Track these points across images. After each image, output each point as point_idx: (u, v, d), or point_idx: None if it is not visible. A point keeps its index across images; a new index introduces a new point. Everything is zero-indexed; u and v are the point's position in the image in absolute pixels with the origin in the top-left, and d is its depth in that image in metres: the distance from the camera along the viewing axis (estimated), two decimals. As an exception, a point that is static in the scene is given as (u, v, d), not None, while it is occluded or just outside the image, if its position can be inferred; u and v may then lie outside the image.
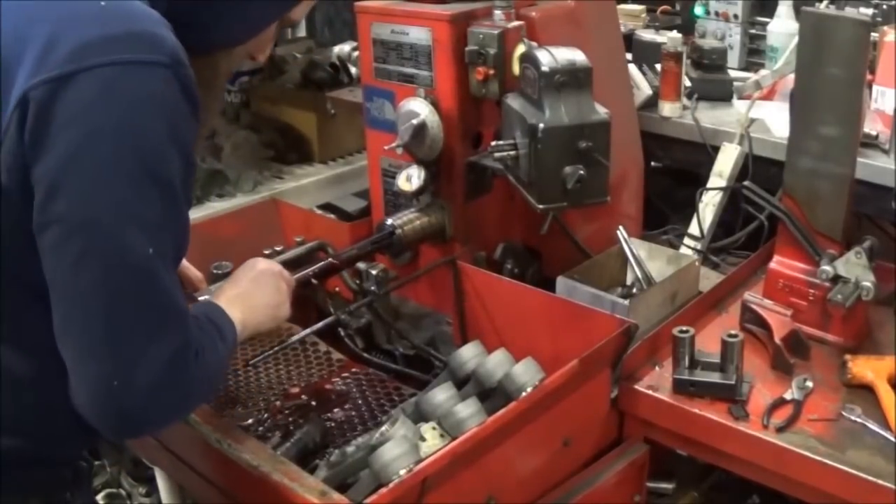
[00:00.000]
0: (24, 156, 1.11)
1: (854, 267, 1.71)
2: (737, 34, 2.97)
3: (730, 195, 2.32)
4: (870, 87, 2.08)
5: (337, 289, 2.03)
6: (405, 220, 1.96)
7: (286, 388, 1.92)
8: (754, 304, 1.80)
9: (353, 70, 3.10)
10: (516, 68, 1.82)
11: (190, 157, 1.20)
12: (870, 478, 1.41)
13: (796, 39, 2.07)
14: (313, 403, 1.86)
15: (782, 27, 2.79)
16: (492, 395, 1.59)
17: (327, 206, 2.71)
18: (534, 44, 1.83)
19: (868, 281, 1.69)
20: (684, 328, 1.64)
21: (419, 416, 1.58)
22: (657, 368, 1.70)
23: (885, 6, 2.40)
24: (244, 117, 2.94)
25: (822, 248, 1.77)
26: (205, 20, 1.29)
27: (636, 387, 1.66)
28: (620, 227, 2.10)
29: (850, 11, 2.17)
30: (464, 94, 1.92)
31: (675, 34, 2.62)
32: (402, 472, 1.32)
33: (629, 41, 2.71)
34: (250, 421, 1.79)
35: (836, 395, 1.62)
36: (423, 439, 1.48)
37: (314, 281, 1.80)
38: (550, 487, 1.58)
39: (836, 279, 1.72)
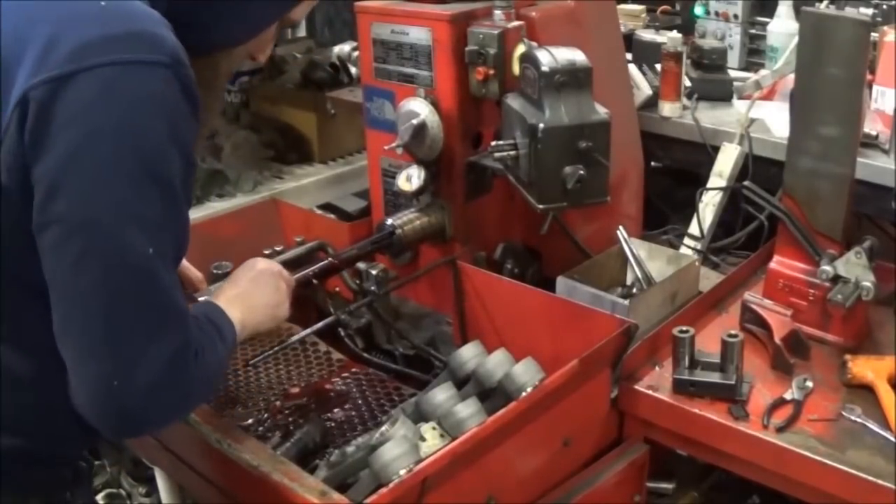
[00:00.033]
0: (23, 155, 1.10)
1: (854, 267, 1.71)
2: (737, 34, 2.97)
3: (730, 195, 2.32)
4: (870, 87, 2.08)
5: (337, 289, 2.03)
6: (405, 220, 1.96)
7: (286, 388, 1.92)
8: (754, 304, 1.80)
9: (353, 70, 3.10)
10: (516, 68, 1.82)
11: (190, 157, 1.20)
12: (870, 478, 1.41)
13: (796, 39, 2.07)
14: (313, 403, 1.86)
15: (782, 27, 2.79)
16: (492, 395, 1.59)
17: (327, 206, 2.71)
18: (534, 44, 1.83)
19: (868, 281, 1.69)
20: (684, 328, 1.64)
21: (419, 416, 1.58)
22: (657, 368, 1.70)
23: (885, 6, 2.40)
24: (244, 117, 2.94)
25: (822, 248, 1.77)
26: (205, 20, 1.29)
27: (636, 387, 1.66)
28: (620, 227, 2.10)
29: (850, 11, 2.17)
30: (464, 94, 1.92)
31: (675, 34, 2.62)
32: (402, 472, 1.32)
33: (629, 41, 2.71)
34: (250, 421, 1.79)
35: (836, 395, 1.62)
36: (423, 439, 1.48)
37: (314, 281, 1.80)
38: (550, 487, 1.58)
39: (836, 279, 1.72)
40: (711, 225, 2.32)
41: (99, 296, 1.11)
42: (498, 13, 1.88)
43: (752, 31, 2.99)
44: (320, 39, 3.74)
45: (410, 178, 1.95)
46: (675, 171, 2.64)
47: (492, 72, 1.86)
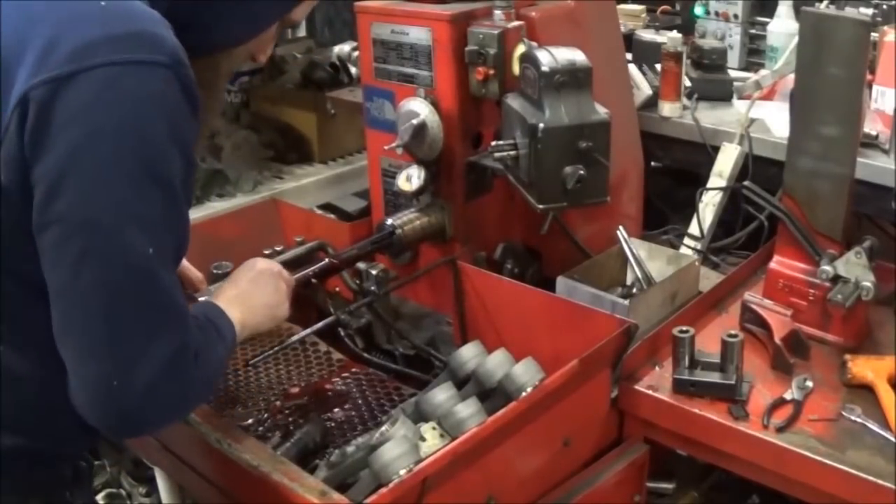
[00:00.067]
0: (23, 156, 1.10)
1: (854, 267, 1.71)
2: (737, 34, 2.98)
3: (730, 195, 2.32)
4: (870, 87, 2.08)
5: (337, 289, 2.03)
6: (405, 220, 1.96)
7: (286, 388, 1.92)
8: (754, 304, 1.81)
9: (353, 70, 3.10)
10: (516, 68, 1.82)
11: (190, 157, 1.20)
12: (870, 478, 1.41)
13: (796, 39, 2.07)
14: (313, 403, 1.86)
15: (782, 27, 2.79)
16: (492, 395, 1.59)
17: (327, 206, 2.71)
18: (534, 44, 1.83)
19: (868, 281, 1.69)
20: (684, 328, 1.64)
21: (419, 416, 1.58)
22: (657, 368, 1.70)
23: (885, 6, 2.40)
24: (244, 117, 2.94)
25: (822, 248, 1.77)
26: (206, 20, 1.29)
27: (636, 387, 1.66)
28: (620, 227, 2.10)
29: (850, 11, 2.17)
30: (464, 94, 1.92)
31: (675, 34, 2.62)
32: (402, 472, 1.32)
33: (629, 41, 2.71)
34: (250, 421, 1.79)
35: (836, 395, 1.62)
36: (423, 439, 1.48)
37: (314, 281, 1.80)
38: (550, 487, 1.58)
39: (836, 279, 1.72)
40: (711, 225, 2.32)
41: (99, 296, 1.11)
42: (498, 13, 1.88)
43: (752, 31, 2.99)
44: (320, 39, 3.74)
45: (410, 178, 1.95)
46: (675, 171, 2.64)
47: (492, 72, 1.86)
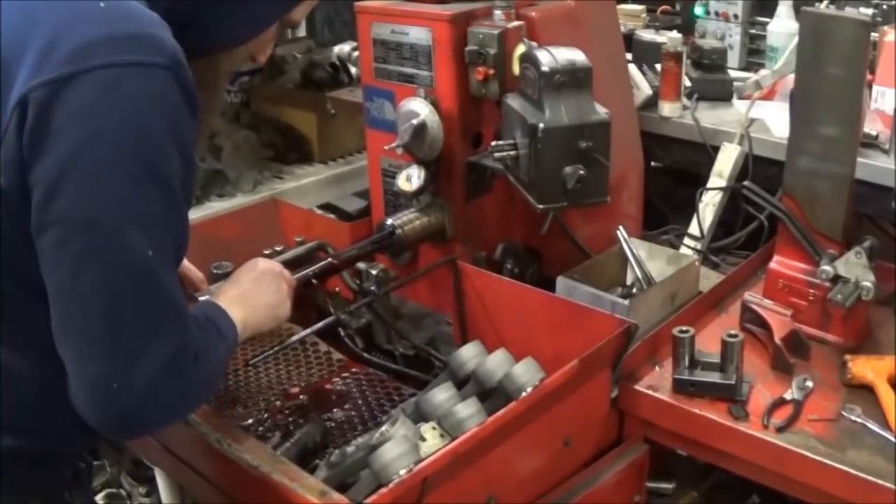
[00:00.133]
0: (22, 157, 1.10)
1: (854, 267, 1.71)
2: (737, 34, 2.98)
3: (730, 195, 2.32)
4: (870, 87, 2.08)
5: (337, 289, 2.03)
6: (405, 220, 1.96)
7: (286, 388, 1.92)
8: (754, 304, 1.81)
9: (353, 70, 3.10)
10: (516, 68, 1.82)
11: (190, 158, 1.20)
12: (870, 478, 1.41)
13: (796, 39, 2.07)
14: (313, 403, 1.86)
15: (782, 27, 2.79)
16: (492, 395, 1.59)
17: (327, 206, 2.71)
18: (534, 44, 1.83)
19: (868, 281, 1.69)
20: (684, 328, 1.64)
21: (419, 416, 1.58)
22: (657, 368, 1.70)
23: (885, 6, 2.40)
24: (244, 117, 2.94)
25: (822, 248, 1.77)
26: (206, 20, 1.30)
27: (636, 387, 1.66)
28: (620, 227, 2.10)
29: (850, 11, 2.17)
30: (464, 94, 1.92)
31: (675, 34, 2.62)
32: (402, 472, 1.32)
33: (629, 41, 2.71)
34: (250, 421, 1.79)
35: (836, 395, 1.62)
36: (423, 439, 1.48)
37: (314, 281, 1.80)
38: (550, 487, 1.58)
39: (836, 279, 1.72)
40: (711, 225, 2.32)
41: (98, 296, 1.11)
42: (498, 13, 1.88)
43: (752, 31, 2.99)
44: (320, 39, 3.74)
45: (410, 178, 1.95)
46: (675, 171, 2.64)
47: (492, 72, 1.86)
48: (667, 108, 2.51)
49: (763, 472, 1.55)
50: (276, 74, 3.10)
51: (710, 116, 2.50)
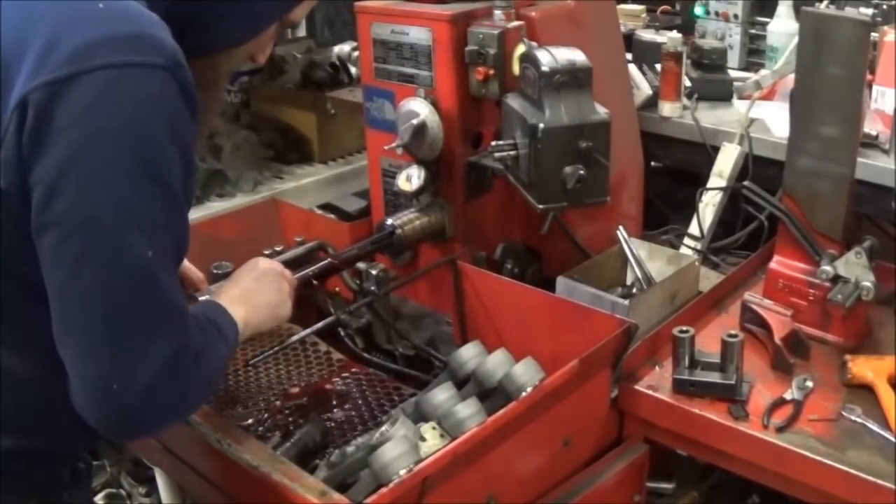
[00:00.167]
0: (22, 158, 1.10)
1: (854, 267, 1.71)
2: (737, 34, 2.98)
3: (730, 195, 2.32)
4: (870, 87, 2.08)
5: (337, 289, 2.03)
6: (405, 220, 1.96)
7: (286, 388, 1.92)
8: (754, 304, 1.81)
9: (353, 70, 3.10)
10: (516, 68, 1.82)
11: (190, 158, 1.20)
12: (870, 478, 1.41)
13: (796, 39, 2.07)
14: (313, 403, 1.86)
15: (782, 27, 2.79)
16: (492, 395, 1.59)
17: (327, 206, 2.71)
18: (534, 44, 1.83)
19: (868, 281, 1.69)
20: (684, 328, 1.64)
21: (419, 416, 1.58)
22: (657, 368, 1.70)
23: (885, 6, 2.40)
24: (244, 117, 2.94)
25: (822, 248, 1.77)
26: (205, 21, 1.30)
27: (636, 387, 1.66)
28: (620, 227, 2.10)
29: (850, 11, 2.17)
30: (464, 94, 1.92)
31: (675, 34, 2.62)
32: (402, 472, 1.32)
33: (629, 41, 2.71)
34: (250, 421, 1.79)
35: (836, 395, 1.62)
36: (423, 439, 1.48)
37: (314, 281, 1.80)
38: (550, 487, 1.58)
39: (836, 279, 1.72)
40: (711, 225, 2.32)
41: (98, 296, 1.11)
42: (498, 13, 1.88)
43: (752, 31, 2.99)
44: (320, 39, 3.74)
45: (410, 178, 1.95)
46: (675, 171, 2.64)
47: (492, 72, 1.86)
48: (667, 108, 2.51)
49: (763, 472, 1.55)
50: (276, 74, 3.10)
51: (710, 116, 2.50)
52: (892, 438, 1.49)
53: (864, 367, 1.62)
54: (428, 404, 1.57)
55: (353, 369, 1.98)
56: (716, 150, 2.37)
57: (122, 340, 1.12)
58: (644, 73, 2.62)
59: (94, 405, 1.14)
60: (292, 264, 1.76)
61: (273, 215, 2.35)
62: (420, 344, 1.98)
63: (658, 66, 2.58)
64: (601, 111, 1.68)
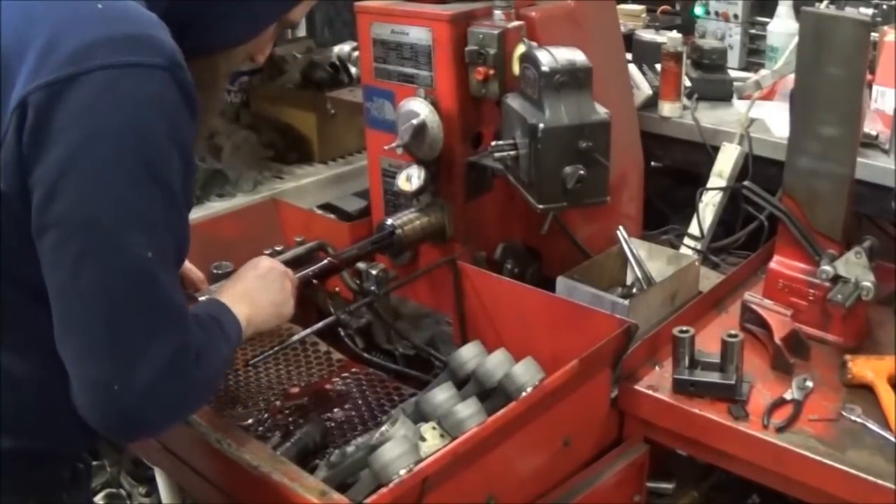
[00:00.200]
0: (21, 159, 1.10)
1: (854, 267, 1.71)
2: (737, 34, 2.98)
3: (730, 195, 2.32)
4: (870, 87, 2.08)
5: (337, 289, 2.03)
6: (405, 220, 1.96)
7: (286, 388, 1.92)
8: (754, 304, 1.81)
9: (353, 70, 3.10)
10: (516, 68, 1.82)
11: (189, 159, 1.20)
12: (870, 478, 1.41)
13: (796, 39, 2.07)
14: (313, 403, 1.86)
15: (782, 27, 2.79)
16: (492, 395, 1.59)
17: (327, 206, 2.71)
18: (534, 44, 1.83)
19: (868, 281, 1.69)
20: (684, 328, 1.64)
21: (419, 416, 1.58)
22: (657, 368, 1.70)
23: (885, 6, 2.41)
24: (244, 117, 2.94)
25: (822, 248, 1.77)
26: (205, 21, 1.30)
27: (636, 387, 1.66)
28: (620, 227, 2.10)
29: (850, 11, 2.17)
30: (464, 94, 1.92)
31: (675, 34, 2.62)
32: (402, 472, 1.32)
33: (629, 41, 2.71)
34: (250, 421, 1.79)
35: (836, 395, 1.62)
36: (423, 439, 1.48)
37: (314, 281, 1.80)
38: (550, 487, 1.58)
39: (836, 279, 1.72)
40: (711, 225, 2.32)
41: (98, 296, 1.11)
42: (498, 13, 1.88)
43: (752, 31, 2.99)
44: (320, 39, 3.74)
45: (410, 178, 1.95)
46: (675, 171, 2.64)
47: (492, 72, 1.86)
48: (667, 108, 2.51)
49: (763, 472, 1.55)
50: (276, 74, 3.10)
51: (710, 116, 2.50)
52: (892, 438, 1.49)
53: (864, 367, 1.62)
54: (428, 404, 1.57)
55: (353, 369, 1.98)
56: (716, 150, 2.37)
57: (122, 340, 1.12)
58: (644, 73, 2.62)
59: (95, 405, 1.14)
60: (292, 264, 1.76)
61: (273, 215, 2.35)
62: (420, 344, 1.98)
63: (658, 66, 2.58)
64: (601, 111, 1.68)
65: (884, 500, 1.39)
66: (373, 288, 1.93)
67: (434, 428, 1.51)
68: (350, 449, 1.54)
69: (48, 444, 1.28)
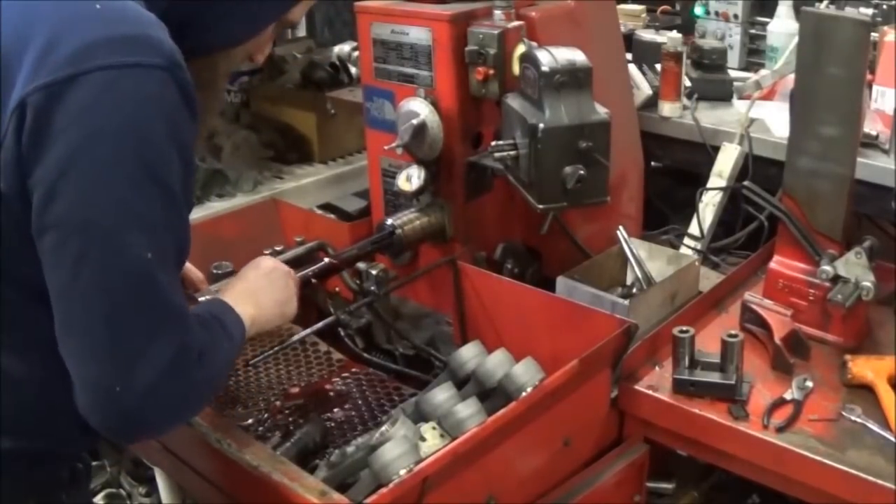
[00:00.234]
0: (21, 160, 1.10)
1: (854, 267, 1.71)
2: (737, 34, 2.98)
3: (730, 195, 2.32)
4: (870, 87, 2.08)
5: (337, 289, 2.03)
6: (405, 220, 1.96)
7: (286, 388, 1.92)
8: (754, 304, 1.80)
9: (353, 70, 3.10)
10: (516, 68, 1.82)
11: (189, 159, 1.20)
12: (870, 478, 1.41)
13: (796, 39, 2.07)
14: (313, 403, 1.86)
15: (782, 27, 2.79)
16: (492, 395, 1.59)
17: (327, 206, 2.71)
18: (534, 44, 1.83)
19: (868, 281, 1.69)
20: (684, 328, 1.64)
21: (419, 416, 1.58)
22: (657, 368, 1.70)
23: (885, 6, 2.41)
24: (244, 117, 2.94)
25: (822, 248, 1.77)
26: (204, 21, 1.30)
27: (636, 387, 1.66)
28: (620, 227, 2.10)
29: (850, 11, 2.17)
30: (464, 94, 1.92)
31: (675, 34, 2.62)
32: (402, 472, 1.32)
33: (629, 41, 2.71)
34: (250, 421, 1.79)
35: (836, 395, 1.62)
36: (423, 439, 1.48)
37: (314, 281, 1.80)
38: (550, 487, 1.58)
39: (836, 279, 1.72)
40: (711, 225, 2.32)
41: (98, 297, 1.11)
42: (498, 13, 1.88)
43: (752, 31, 2.99)
44: (320, 39, 3.74)
45: (410, 178, 1.95)
46: (675, 171, 2.64)
47: (492, 72, 1.86)
48: (667, 108, 2.51)
49: (763, 472, 1.55)
50: (276, 74, 3.10)
51: (710, 116, 2.50)
52: (892, 438, 1.49)
53: (864, 367, 1.62)
54: (428, 404, 1.57)
55: (353, 369, 1.98)
56: (716, 150, 2.37)
57: (123, 341, 1.12)
58: (644, 73, 2.62)
59: (96, 406, 1.14)
60: (292, 264, 1.75)
61: (273, 215, 2.35)
62: (420, 344, 1.97)
63: (658, 66, 2.58)
64: (601, 111, 1.68)
65: (884, 500, 1.39)
66: (373, 288, 1.93)
67: (434, 428, 1.51)
68: (350, 449, 1.54)
69: (48, 445, 1.28)
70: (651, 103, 2.55)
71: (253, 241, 2.09)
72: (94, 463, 2.30)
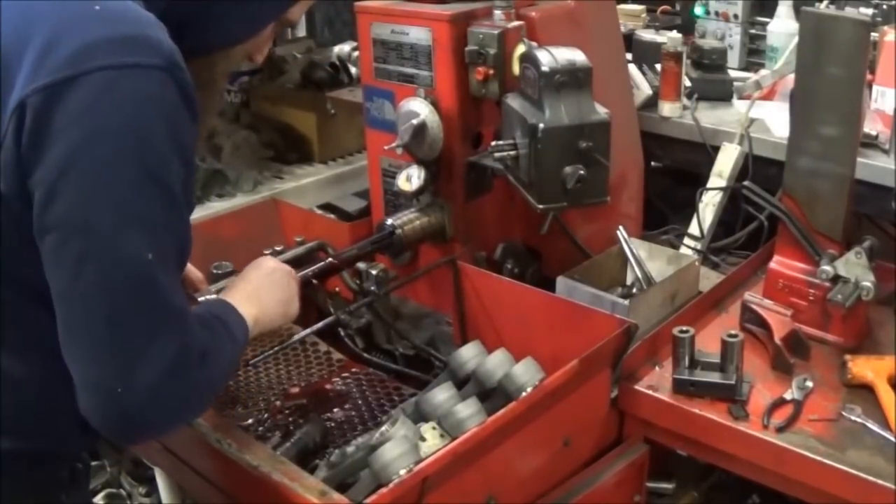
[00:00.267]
0: (20, 161, 1.10)
1: (854, 267, 1.71)
2: (737, 34, 2.98)
3: (730, 195, 2.32)
4: (870, 87, 2.08)
5: (337, 289, 2.03)
6: (405, 220, 1.96)
7: (286, 388, 1.92)
8: (754, 304, 1.80)
9: (353, 70, 3.10)
10: (516, 68, 1.82)
11: (189, 160, 1.20)
12: (870, 478, 1.41)
13: (796, 39, 2.07)
14: (313, 403, 1.86)
15: (782, 27, 2.79)
16: (492, 395, 1.59)
17: (327, 206, 2.71)
18: (534, 44, 1.83)
19: (868, 281, 1.69)
20: (684, 328, 1.64)
21: (419, 416, 1.58)
22: (657, 368, 1.70)
23: (885, 6, 2.41)
24: (244, 117, 2.94)
25: (822, 248, 1.77)
26: (203, 21, 1.29)
27: (636, 387, 1.66)
28: (620, 227, 2.10)
29: (850, 11, 2.17)
30: (464, 94, 1.92)
31: (675, 34, 2.62)
32: (402, 472, 1.32)
33: (629, 41, 2.71)
34: (250, 421, 1.79)
35: (836, 395, 1.62)
36: (423, 439, 1.48)
37: (314, 281, 1.80)
38: (550, 487, 1.58)
39: (836, 279, 1.72)
40: (711, 225, 2.32)
41: (99, 298, 1.11)
42: (498, 13, 1.88)
43: (752, 31, 2.99)
44: (320, 39, 3.74)
45: (410, 178, 1.95)
46: (675, 171, 2.64)
47: (492, 72, 1.86)
48: (667, 108, 2.51)
49: (763, 472, 1.55)
50: (276, 74, 3.10)
51: (710, 116, 2.50)
52: (892, 438, 1.49)
53: (864, 367, 1.62)
54: (428, 404, 1.57)
55: (353, 369, 1.98)
56: (716, 150, 2.37)
57: (123, 341, 1.12)
58: (644, 73, 2.62)
59: (97, 407, 1.14)
60: (292, 264, 1.75)
61: (273, 215, 2.35)
62: (420, 344, 1.97)
63: (658, 66, 2.58)
64: (601, 111, 1.68)
65: (884, 500, 1.39)
66: (373, 288, 1.93)
67: (434, 428, 1.51)
68: (350, 449, 1.54)
69: (48, 445, 1.28)
70: (651, 103, 2.55)
71: (253, 241, 2.09)
72: (94, 463, 2.31)
